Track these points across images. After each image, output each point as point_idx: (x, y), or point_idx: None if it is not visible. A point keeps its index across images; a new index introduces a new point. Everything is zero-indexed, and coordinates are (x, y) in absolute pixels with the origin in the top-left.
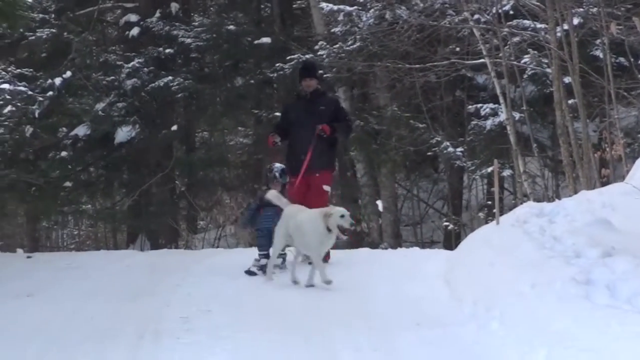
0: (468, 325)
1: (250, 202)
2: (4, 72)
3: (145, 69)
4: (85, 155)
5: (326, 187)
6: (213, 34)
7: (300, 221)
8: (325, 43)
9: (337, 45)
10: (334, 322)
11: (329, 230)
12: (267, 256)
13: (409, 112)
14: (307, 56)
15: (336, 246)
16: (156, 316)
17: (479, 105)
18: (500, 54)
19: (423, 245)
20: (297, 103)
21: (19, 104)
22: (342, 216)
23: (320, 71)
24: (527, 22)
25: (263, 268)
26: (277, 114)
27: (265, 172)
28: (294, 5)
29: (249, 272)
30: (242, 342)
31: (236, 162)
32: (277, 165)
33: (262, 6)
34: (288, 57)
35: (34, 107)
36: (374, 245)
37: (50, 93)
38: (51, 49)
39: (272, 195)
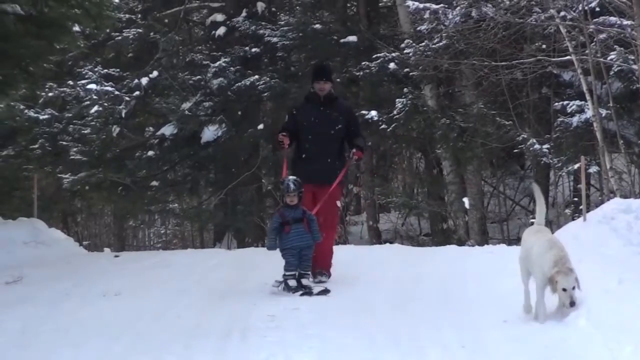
0: (555, 322)
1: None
2: (90, 73)
3: (231, 68)
4: (172, 154)
5: (338, 203)
6: (299, 33)
7: (530, 246)
8: (411, 41)
9: (423, 43)
10: (421, 319)
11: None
12: (294, 277)
13: (495, 109)
14: (393, 54)
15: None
16: (243, 314)
17: (565, 102)
18: (587, 51)
19: (509, 242)
20: (308, 106)
21: (105, 104)
22: (564, 290)
23: (406, 69)
24: (613, 19)
25: (291, 289)
26: (363, 111)
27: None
28: (380, 4)
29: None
30: (330, 340)
31: None
32: (291, 177)
33: (348, 5)
34: (374, 56)
35: (120, 107)
36: (460, 242)
37: (137, 93)
38: (138, 49)
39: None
